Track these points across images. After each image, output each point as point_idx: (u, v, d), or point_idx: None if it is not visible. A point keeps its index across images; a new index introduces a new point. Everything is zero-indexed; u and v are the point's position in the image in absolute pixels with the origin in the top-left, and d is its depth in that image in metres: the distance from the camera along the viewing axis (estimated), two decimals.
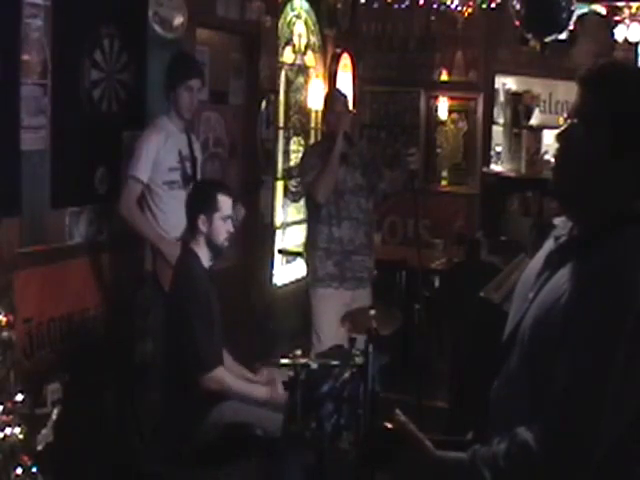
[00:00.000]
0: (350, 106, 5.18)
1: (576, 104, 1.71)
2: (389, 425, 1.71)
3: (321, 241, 4.91)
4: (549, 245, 1.78)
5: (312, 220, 5.03)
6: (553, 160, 1.75)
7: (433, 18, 7.59)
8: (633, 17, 7.37)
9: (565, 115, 1.75)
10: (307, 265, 5.10)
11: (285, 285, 6.62)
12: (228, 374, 3.59)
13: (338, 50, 7.28)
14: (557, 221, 1.80)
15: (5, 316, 2.69)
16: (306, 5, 6.85)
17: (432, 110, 7.76)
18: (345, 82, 7.35)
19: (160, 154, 4.26)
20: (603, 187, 1.68)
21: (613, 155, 1.65)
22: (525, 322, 1.70)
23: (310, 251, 5.02)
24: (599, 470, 1.56)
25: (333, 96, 5.22)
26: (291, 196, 6.79)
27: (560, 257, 1.71)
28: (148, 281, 4.34)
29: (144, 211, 4.29)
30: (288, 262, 6.78)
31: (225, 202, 3.70)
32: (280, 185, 6.72)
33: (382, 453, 1.72)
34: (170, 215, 4.23)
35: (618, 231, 1.65)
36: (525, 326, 1.70)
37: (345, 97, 5.13)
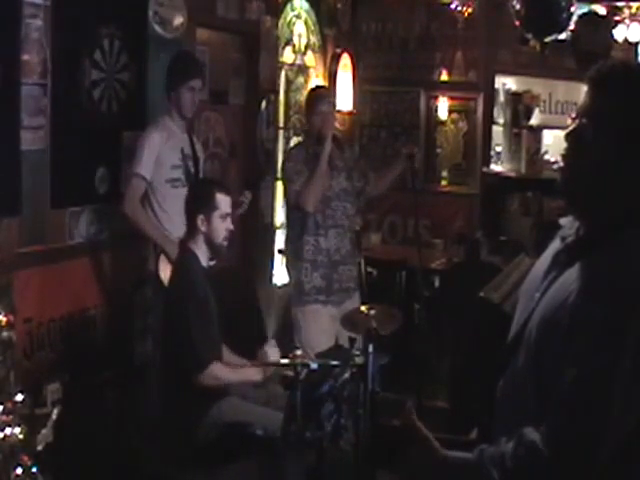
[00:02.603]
0: (336, 105, 4.95)
1: (585, 104, 1.71)
2: (396, 423, 1.71)
3: (307, 252, 4.68)
4: (555, 245, 1.78)
5: (295, 229, 4.76)
6: (561, 159, 1.75)
7: (433, 18, 7.59)
8: (633, 17, 7.37)
9: (572, 115, 1.74)
10: (290, 277, 4.87)
11: (285, 285, 6.60)
12: (222, 367, 3.57)
13: (338, 50, 7.28)
14: (563, 221, 1.80)
15: (5, 316, 2.69)
16: (306, 5, 6.84)
17: (432, 110, 7.75)
18: (345, 82, 7.35)
19: (162, 152, 4.26)
20: (611, 187, 1.68)
21: (622, 155, 1.65)
22: (532, 321, 1.70)
23: (294, 263, 4.77)
24: (605, 470, 1.56)
25: (317, 95, 4.92)
26: None
27: (567, 257, 1.70)
28: (150, 281, 4.34)
29: (146, 210, 4.29)
30: None
31: (223, 200, 3.69)
32: (280, 185, 6.70)
33: (388, 451, 1.73)
34: (173, 214, 4.20)
35: (625, 231, 1.65)
36: (532, 325, 1.70)
37: (330, 95, 4.89)
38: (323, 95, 4.93)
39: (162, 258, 4.20)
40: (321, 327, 4.64)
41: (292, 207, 4.81)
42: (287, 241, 4.94)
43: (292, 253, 4.83)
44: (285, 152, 6.74)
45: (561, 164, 1.75)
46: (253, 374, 3.63)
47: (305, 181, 4.60)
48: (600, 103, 1.68)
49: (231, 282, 5.30)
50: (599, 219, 1.70)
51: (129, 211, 4.20)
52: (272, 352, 3.69)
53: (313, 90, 5.25)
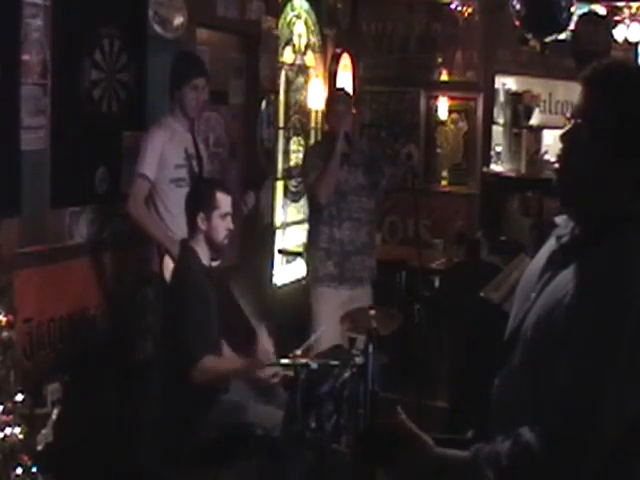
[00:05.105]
0: (352, 106, 5.19)
1: (580, 104, 1.70)
2: (388, 423, 1.71)
3: (322, 241, 4.95)
4: (550, 244, 1.78)
5: (313, 220, 5.08)
6: (556, 160, 1.75)
7: (433, 18, 7.59)
8: (633, 17, 7.37)
9: (568, 115, 1.74)
10: (307, 265, 5.16)
11: (285, 285, 6.61)
12: (212, 359, 3.54)
13: (338, 50, 7.28)
14: (558, 220, 1.80)
15: (5, 316, 2.69)
16: (306, 5, 6.84)
17: (432, 110, 7.75)
18: (345, 82, 7.35)
19: (166, 151, 4.25)
20: (607, 187, 1.68)
21: (617, 155, 1.65)
22: (528, 321, 1.70)
23: (311, 251, 5.08)
24: (601, 470, 1.56)
25: (335, 96, 5.28)
26: (291, 196, 6.80)
27: (563, 257, 1.70)
28: (153, 281, 4.33)
29: (150, 211, 4.28)
30: (288, 262, 6.77)
31: (223, 199, 3.70)
32: (280, 185, 6.71)
33: (381, 452, 1.72)
34: (177, 214, 4.16)
35: (621, 231, 1.65)
36: (528, 325, 1.70)
37: (348, 96, 5.19)
38: (341, 96, 5.23)
39: (166, 258, 4.19)
40: (333, 309, 4.76)
41: (308, 199, 5.20)
42: (309, 231, 5.21)
43: (310, 241, 5.12)
44: (285, 152, 6.78)
45: (557, 165, 1.75)
46: (244, 362, 3.64)
47: (318, 175, 4.84)
48: (595, 103, 1.68)
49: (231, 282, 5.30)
50: (595, 219, 1.69)
51: (133, 211, 4.19)
52: (267, 343, 3.68)
53: (332, 92, 5.65)
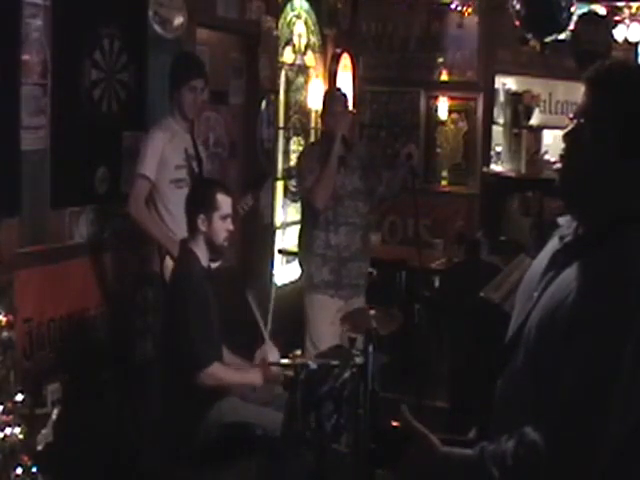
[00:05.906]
0: (350, 106, 5.12)
1: (583, 104, 1.71)
2: (395, 423, 1.71)
3: (317, 247, 4.83)
4: (553, 244, 1.78)
5: (308, 225, 4.93)
6: (559, 160, 1.75)
7: (433, 18, 7.60)
8: (633, 17, 7.38)
9: (570, 115, 1.75)
10: (302, 270, 5.02)
11: (285, 285, 6.61)
12: (222, 368, 3.57)
13: (338, 50, 7.28)
14: (561, 220, 1.80)
15: (5, 316, 2.69)
16: (306, 5, 6.85)
17: (432, 110, 7.76)
18: (345, 82, 7.36)
19: (166, 152, 4.25)
20: (610, 187, 1.68)
21: (620, 155, 1.65)
22: (530, 321, 1.70)
23: (305, 257, 4.94)
24: (605, 470, 1.56)
25: (331, 96, 5.11)
26: (291, 196, 6.79)
27: (566, 257, 1.70)
28: (154, 281, 4.33)
29: (151, 211, 4.28)
30: (288, 262, 6.77)
31: (224, 201, 3.69)
32: (280, 185, 6.72)
33: (388, 451, 1.72)
34: (177, 215, 4.16)
35: (624, 230, 1.65)
36: (530, 325, 1.70)
37: (344, 97, 5.04)
38: (338, 96, 5.05)
39: (167, 259, 4.19)
40: (328, 317, 4.71)
41: (304, 203, 5.01)
42: (300, 235, 5.06)
43: (304, 247, 4.97)
44: (285, 152, 6.77)
45: (559, 165, 1.75)
46: (254, 377, 3.62)
47: (315, 178, 4.72)
48: (598, 103, 1.69)
49: (231, 282, 5.30)
50: (597, 219, 1.70)
51: (134, 212, 4.19)
52: (270, 353, 3.69)
53: (329, 91, 5.41)
